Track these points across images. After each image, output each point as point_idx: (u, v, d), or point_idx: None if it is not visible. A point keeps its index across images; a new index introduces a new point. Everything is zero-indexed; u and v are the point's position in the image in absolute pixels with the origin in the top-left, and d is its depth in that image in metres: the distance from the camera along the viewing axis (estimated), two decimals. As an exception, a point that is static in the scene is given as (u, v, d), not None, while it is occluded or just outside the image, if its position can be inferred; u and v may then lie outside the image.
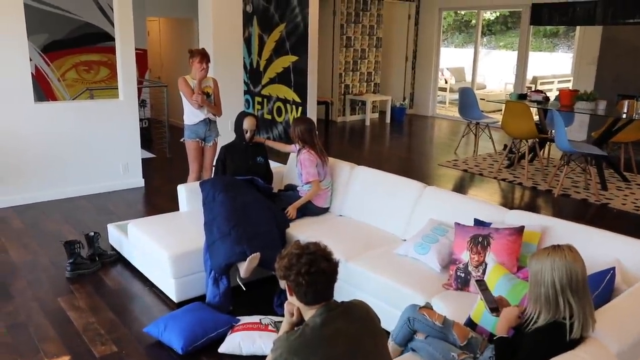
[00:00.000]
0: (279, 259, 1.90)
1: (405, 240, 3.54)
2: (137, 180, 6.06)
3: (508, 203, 5.81)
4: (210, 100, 4.81)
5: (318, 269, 1.82)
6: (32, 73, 5.64)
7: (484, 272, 2.88)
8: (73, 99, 7.61)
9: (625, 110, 6.26)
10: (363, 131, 9.94)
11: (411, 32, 11.48)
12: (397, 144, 8.93)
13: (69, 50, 8.10)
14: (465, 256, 3.00)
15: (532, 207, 5.70)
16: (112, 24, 6.54)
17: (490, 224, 3.13)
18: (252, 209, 3.65)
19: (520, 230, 2.93)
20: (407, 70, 11.68)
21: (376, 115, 11.20)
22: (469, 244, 3.01)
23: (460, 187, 6.45)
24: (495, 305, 2.26)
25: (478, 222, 3.18)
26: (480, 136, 8.21)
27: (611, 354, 1.95)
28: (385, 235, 3.72)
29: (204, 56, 4.67)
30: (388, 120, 10.79)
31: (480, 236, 2.99)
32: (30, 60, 5.82)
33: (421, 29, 11.47)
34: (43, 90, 7.70)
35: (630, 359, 2.07)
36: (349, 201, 4.09)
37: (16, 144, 5.28)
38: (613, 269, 2.52)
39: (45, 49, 7.78)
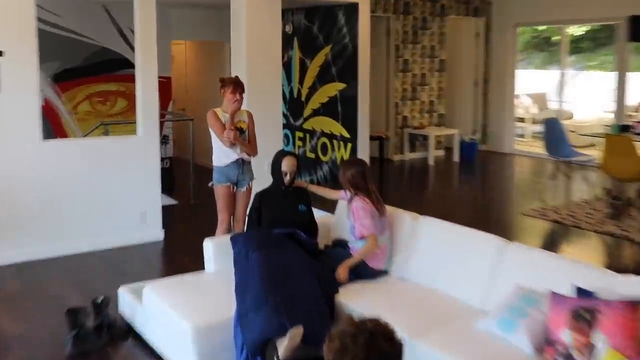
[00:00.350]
0: (328, 340, 1.82)
1: (484, 312, 3.37)
2: (156, 232, 6.10)
3: (616, 265, 5.52)
4: (244, 137, 4.83)
5: (379, 352, 1.74)
6: (41, 106, 5.81)
7: (592, 358, 2.67)
8: (85, 136, 7.85)
9: None
10: (426, 172, 9.82)
11: (480, 52, 11.45)
12: (469, 188, 8.77)
13: (83, 79, 8.40)
14: (565, 336, 2.80)
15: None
16: (133, 49, 6.73)
17: (595, 293, 2.93)
18: (293, 271, 3.57)
19: (637, 303, 2.72)
20: (477, 98, 11.60)
21: (441, 152, 11.10)
22: (570, 320, 2.81)
23: (552, 244, 6.24)
24: None
25: (580, 291, 2.99)
26: (573, 178, 7.95)
27: None
28: (459, 305, 3.57)
29: (237, 85, 4.72)
30: (456, 158, 10.65)
31: (583, 310, 2.80)
32: (41, 91, 6.01)
33: (493, 48, 11.41)
34: (52, 126, 7.96)
35: None
36: (412, 261, 3.97)
37: (17, 189, 5.39)
38: None
39: (56, 78, 8.08)
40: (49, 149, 5.58)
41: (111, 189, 5.84)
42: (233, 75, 5.20)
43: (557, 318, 2.87)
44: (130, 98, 8.24)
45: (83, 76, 8.43)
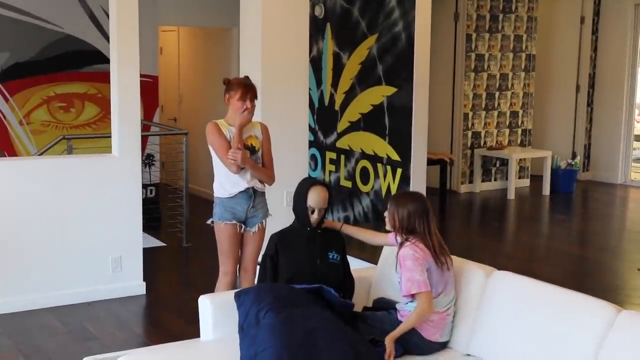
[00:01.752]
0: None
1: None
2: (134, 284, 6.18)
3: None
4: (256, 158, 4.90)
5: None
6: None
7: None
8: (41, 154, 7.89)
9: None
10: (504, 208, 9.82)
11: (585, 45, 11.43)
12: (564, 232, 8.74)
13: (39, 77, 8.47)
14: None
15: None
16: (107, 38, 6.80)
17: None
18: (320, 340, 3.60)
19: None
20: (578, 108, 11.55)
21: (526, 181, 11.10)
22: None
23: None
24: None
25: None
26: None
27: None
28: (549, 393, 3.56)
29: (248, 89, 4.80)
30: (546, 190, 10.61)
31: None
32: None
33: (603, 39, 11.40)
34: (-5, 140, 8.07)
35: None
36: (484, 332, 3.99)
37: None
38: None
39: (3, 76, 8.19)
40: (-8, 171, 5.70)
41: (76, 225, 5.92)
42: (242, 76, 5.26)
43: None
44: (103, 104, 8.36)
45: (39, 73, 8.46)
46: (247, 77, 5.00)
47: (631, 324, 3.52)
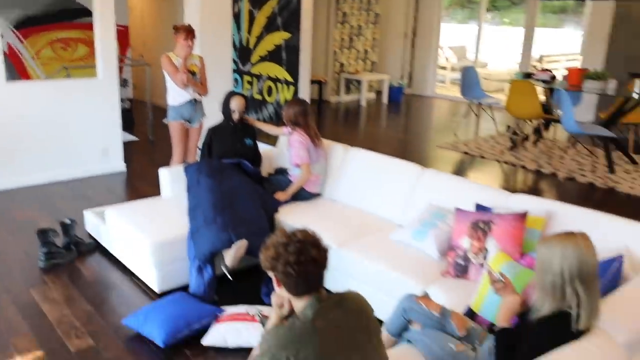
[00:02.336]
0: (263, 249, 1.86)
1: (401, 226, 3.52)
2: (117, 164, 6.00)
3: (511, 187, 5.79)
4: (196, 79, 4.75)
5: (308, 257, 1.78)
6: (3, 51, 5.54)
7: (484, 259, 2.86)
8: (48, 78, 7.48)
9: (636, 90, 6.23)
10: (358, 112, 9.88)
11: (411, 7, 11.38)
12: (394, 125, 8.89)
13: (45, 26, 7.91)
14: (465, 243, 2.98)
15: (536, 191, 5.69)
16: (92, -2, 6.40)
17: (492, 209, 3.11)
18: (239, 194, 3.61)
19: (523, 215, 2.91)
20: (405, 48, 11.60)
21: (372, 95, 11.14)
22: (470, 230, 2.98)
23: (461, 170, 6.43)
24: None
25: (479, 207, 3.16)
26: (482, 117, 8.17)
27: (617, 345, 1.93)
28: (381, 220, 3.70)
29: (189, 32, 4.60)
30: (385, 100, 10.74)
31: (481, 222, 2.97)
32: (2, 37, 5.74)
33: (422, 3, 11.36)
34: (16, 69, 7.57)
35: (638, 350, 2.06)
36: (342, 185, 4.06)
37: (-13, 126, 5.19)
38: (621, 256, 2.50)
39: (18, 26, 7.61)
40: (14, 90, 5.36)
41: (75, 126, 5.67)
42: (186, 23, 5.04)
43: (459, 229, 3.04)
44: (91, 45, 7.92)
45: (44, 24, 7.95)
46: (189, 24, 4.77)
47: (430, 177, 3.66)
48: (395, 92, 10.85)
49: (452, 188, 3.48)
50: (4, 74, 5.26)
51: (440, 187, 3.53)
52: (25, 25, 7.83)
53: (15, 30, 7.45)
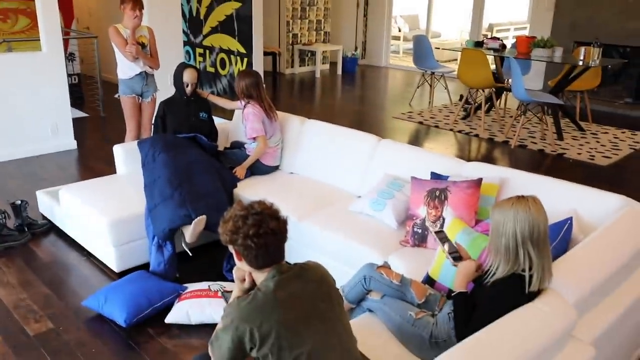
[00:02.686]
0: (222, 222, 1.85)
1: (360, 196, 3.55)
2: (68, 142, 5.81)
3: (465, 155, 5.91)
4: (146, 51, 4.61)
5: (267, 229, 1.77)
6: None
7: (441, 227, 2.92)
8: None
9: (581, 58, 6.40)
10: (313, 83, 9.83)
11: (363, -24, 11.29)
12: (350, 96, 8.89)
13: (-19, -3, 7.54)
14: (422, 211, 3.03)
15: (489, 159, 5.82)
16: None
17: (447, 177, 3.16)
18: (196, 169, 3.56)
19: (478, 182, 2.98)
20: (358, 18, 11.53)
21: (327, 66, 11.08)
22: (426, 198, 3.04)
23: (416, 140, 6.51)
24: (458, 254, 2.31)
25: (435, 176, 3.21)
26: (436, 87, 8.25)
27: (569, 304, 2.02)
28: (339, 192, 3.72)
29: (136, 2, 4.44)
30: (339, 71, 10.70)
31: (437, 190, 3.02)
32: None
33: (373, -27, 11.28)
34: (-47, 44, 7.18)
35: (587, 308, 2.16)
36: (300, 158, 4.05)
37: None
38: (570, 219, 2.60)
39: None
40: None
41: (21, 103, 5.44)
42: (133, -7, 4.87)
43: (416, 197, 3.09)
44: (32, 16, 7.56)
45: (-20, -6, 7.57)
46: (136, -6, 4.60)
47: (386, 147, 3.69)
48: (350, 63, 10.82)
49: (408, 158, 3.52)
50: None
51: (396, 157, 3.57)
52: (-38, -3, 7.36)
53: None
